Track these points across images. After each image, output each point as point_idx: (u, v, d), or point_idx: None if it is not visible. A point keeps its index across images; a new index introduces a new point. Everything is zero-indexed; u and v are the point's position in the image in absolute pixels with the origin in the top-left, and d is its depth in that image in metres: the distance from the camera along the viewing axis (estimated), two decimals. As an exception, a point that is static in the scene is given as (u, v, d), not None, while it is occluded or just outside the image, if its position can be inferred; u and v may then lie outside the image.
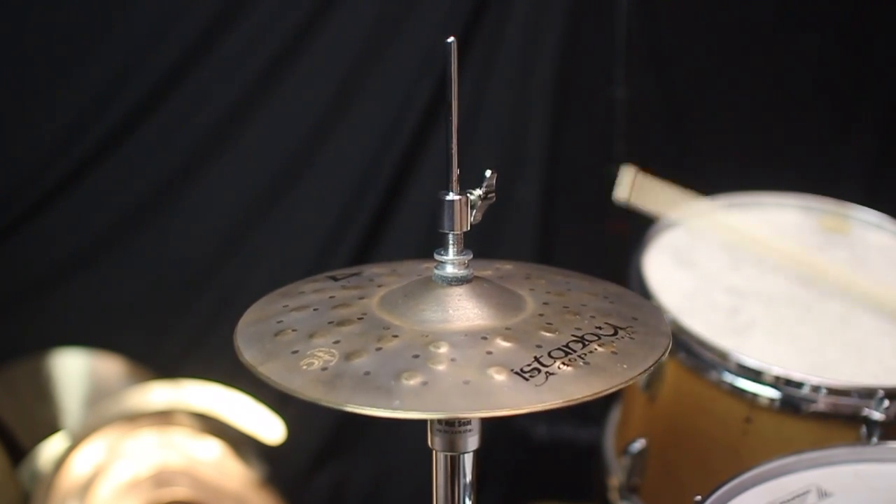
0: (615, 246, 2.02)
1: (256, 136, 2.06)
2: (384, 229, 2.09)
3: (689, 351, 1.37)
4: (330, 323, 0.90)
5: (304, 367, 0.84)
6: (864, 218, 1.69)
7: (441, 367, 0.83)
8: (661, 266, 1.53)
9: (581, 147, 2.19)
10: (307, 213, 2.11)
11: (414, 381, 0.81)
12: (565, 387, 0.81)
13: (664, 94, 2.16)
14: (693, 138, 2.21)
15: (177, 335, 2.09)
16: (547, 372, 0.83)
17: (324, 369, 0.83)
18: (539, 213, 2.14)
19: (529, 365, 0.83)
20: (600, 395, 0.82)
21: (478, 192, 0.94)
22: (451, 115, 0.91)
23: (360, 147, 2.09)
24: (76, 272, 2.05)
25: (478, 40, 2.05)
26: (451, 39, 0.88)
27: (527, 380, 0.82)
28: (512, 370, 0.82)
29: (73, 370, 1.98)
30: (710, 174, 2.03)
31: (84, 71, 1.98)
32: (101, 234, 2.06)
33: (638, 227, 1.65)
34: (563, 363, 0.84)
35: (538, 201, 2.13)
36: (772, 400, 1.30)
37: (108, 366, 1.99)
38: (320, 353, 0.85)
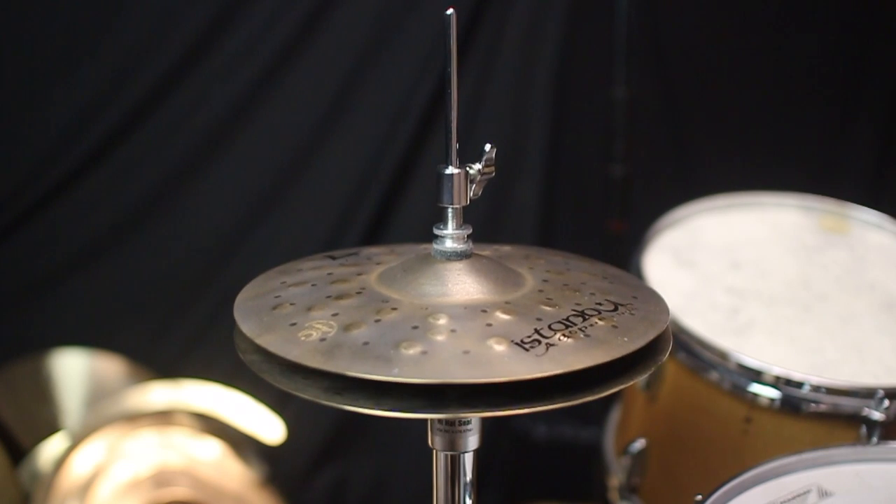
0: (615, 246, 2.02)
1: (256, 136, 2.06)
2: (385, 229, 2.09)
3: (689, 351, 1.36)
4: (328, 297, 0.90)
5: (303, 339, 0.83)
6: (864, 218, 1.69)
7: (440, 338, 0.82)
8: (661, 266, 1.53)
9: (581, 147, 2.19)
10: (307, 212, 2.11)
11: (413, 351, 0.80)
12: (566, 357, 0.81)
13: (664, 94, 2.17)
14: (693, 138, 2.21)
15: (177, 335, 2.09)
16: (547, 343, 0.82)
17: (322, 340, 0.83)
18: (539, 213, 2.14)
19: (530, 336, 0.83)
20: (602, 366, 0.81)
21: (477, 166, 0.94)
22: (450, 89, 0.91)
23: (359, 147, 2.09)
24: (76, 272, 2.05)
25: (478, 40, 2.05)
26: (450, 12, 0.88)
27: (527, 350, 0.81)
28: (512, 341, 0.82)
29: (73, 370, 1.98)
30: (710, 174, 2.05)
31: (84, 71, 1.98)
32: (101, 234, 2.06)
33: (638, 227, 1.65)
34: (564, 335, 0.84)
35: (538, 201, 2.13)
36: (772, 400, 1.30)
37: (108, 366, 1.99)
38: (318, 325, 0.85)
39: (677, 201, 1.68)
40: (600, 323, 0.87)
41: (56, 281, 2.05)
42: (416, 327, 0.84)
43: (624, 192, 2.03)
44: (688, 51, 2.16)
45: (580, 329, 0.85)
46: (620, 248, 1.97)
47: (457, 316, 0.85)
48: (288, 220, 2.11)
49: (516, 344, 0.82)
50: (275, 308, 0.89)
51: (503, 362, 0.80)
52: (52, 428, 1.89)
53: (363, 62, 2.05)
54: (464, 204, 0.94)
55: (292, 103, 2.06)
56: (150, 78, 1.99)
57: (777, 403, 1.30)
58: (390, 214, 2.10)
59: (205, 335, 2.08)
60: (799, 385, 1.29)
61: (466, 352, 0.81)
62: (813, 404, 1.28)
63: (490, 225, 2.11)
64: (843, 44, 2.19)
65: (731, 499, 1.06)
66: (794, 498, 1.07)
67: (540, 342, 0.82)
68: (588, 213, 2.19)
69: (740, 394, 1.32)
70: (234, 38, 2.00)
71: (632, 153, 2.02)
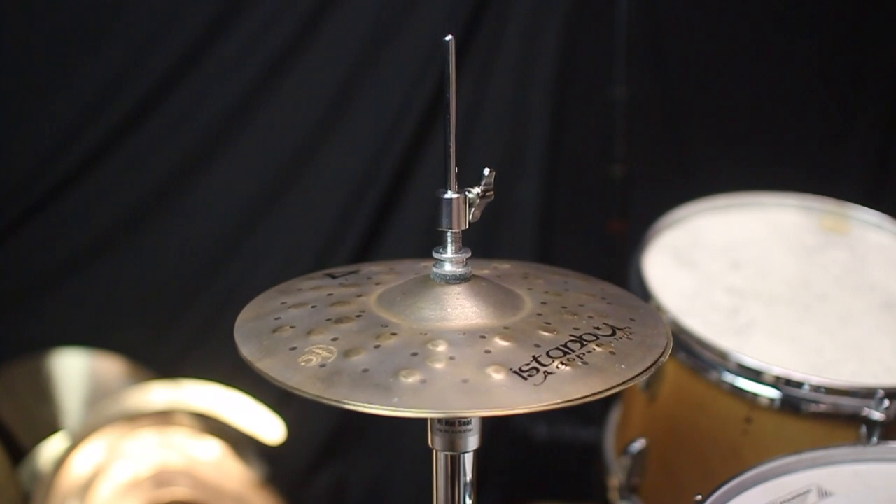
0: (615, 246, 2.02)
1: (256, 137, 2.06)
2: (384, 229, 2.09)
3: (689, 351, 1.36)
4: (328, 320, 0.90)
5: (303, 364, 0.84)
6: (864, 218, 1.69)
7: (440, 366, 0.83)
8: (661, 266, 1.53)
9: (581, 147, 2.19)
10: (307, 213, 2.11)
11: (412, 379, 0.81)
12: (564, 387, 0.81)
13: (664, 94, 2.16)
14: (693, 138, 2.21)
15: (177, 335, 2.09)
16: (545, 371, 0.83)
17: (322, 366, 0.83)
18: (539, 213, 2.14)
19: (528, 364, 0.83)
20: (599, 396, 0.82)
21: (476, 190, 0.94)
22: (449, 114, 0.91)
23: (359, 147, 2.09)
24: (76, 272, 2.05)
25: (478, 40, 2.05)
26: (449, 38, 0.88)
27: (525, 379, 0.81)
28: (510, 369, 0.82)
29: (73, 370, 1.98)
30: (710, 174, 2.05)
31: (84, 71, 1.98)
32: (101, 234, 2.06)
33: (638, 227, 1.65)
34: (562, 363, 0.84)
35: (538, 201, 2.13)
36: (772, 400, 1.30)
37: (108, 366, 1.99)
38: (318, 350, 0.85)
39: (677, 201, 1.68)
40: (598, 349, 0.87)
41: (56, 281, 2.05)
42: (415, 354, 0.84)
43: (624, 192, 2.03)
44: (688, 51, 2.16)
45: (578, 356, 0.86)
46: (620, 248, 1.97)
47: (455, 342, 0.86)
48: (288, 221, 2.10)
49: (514, 372, 0.82)
50: (275, 331, 0.90)
51: (501, 392, 0.80)
52: (52, 428, 1.89)
53: (363, 64, 2.05)
54: (463, 228, 0.94)
55: (292, 105, 2.06)
56: (150, 78, 1.99)
57: (777, 403, 1.30)
58: (389, 217, 2.09)
59: (205, 335, 2.08)
60: (799, 385, 1.29)
61: (465, 381, 0.81)
62: (813, 404, 1.28)
63: (490, 225, 2.11)
64: (844, 44, 2.19)
65: (731, 499, 1.06)
66: (794, 498, 1.07)
67: (538, 370, 0.83)
68: (588, 213, 2.19)
69: (740, 394, 1.32)
70: (233, 41, 2.00)
71: (632, 153, 2.02)
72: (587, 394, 0.81)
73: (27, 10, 1.95)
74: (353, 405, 0.79)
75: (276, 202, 2.09)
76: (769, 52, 2.19)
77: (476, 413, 0.78)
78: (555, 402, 0.80)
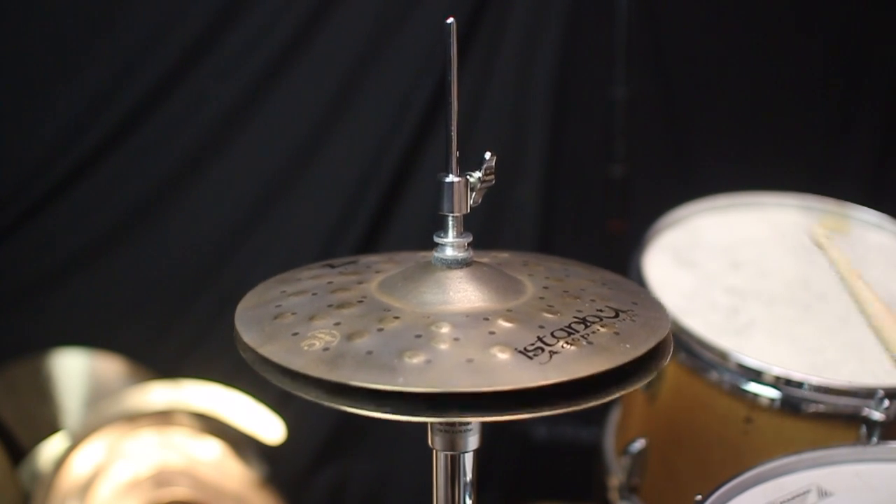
0: (615, 246, 2.02)
1: (256, 136, 2.06)
2: (385, 229, 2.09)
3: (689, 351, 1.36)
4: (329, 306, 0.90)
5: (306, 348, 0.83)
6: (864, 218, 1.69)
7: (444, 346, 0.82)
8: (660, 266, 1.53)
9: (581, 147, 2.19)
10: (307, 212, 2.11)
11: (417, 360, 0.81)
12: (569, 365, 0.81)
13: (664, 94, 2.16)
14: (693, 138, 2.21)
15: (177, 335, 2.09)
16: (551, 351, 0.82)
17: (325, 349, 0.83)
18: (539, 213, 2.14)
19: (533, 344, 0.83)
20: (604, 372, 0.81)
21: (477, 174, 0.94)
22: (451, 97, 0.91)
23: (359, 147, 2.09)
24: (76, 272, 2.05)
25: (478, 40, 2.05)
26: (450, 20, 0.88)
27: (531, 358, 0.81)
28: (515, 349, 0.82)
29: (73, 370, 1.98)
30: (711, 174, 2.05)
31: (84, 71, 1.98)
32: (101, 234, 2.06)
33: (638, 227, 1.65)
34: (567, 342, 0.84)
35: (538, 201, 2.13)
36: (772, 400, 1.30)
37: (108, 366, 1.99)
38: (321, 335, 0.85)
39: (677, 201, 1.68)
40: (602, 330, 0.87)
41: (56, 281, 2.05)
42: (419, 336, 0.84)
43: (624, 192, 2.03)
44: (688, 51, 2.16)
45: (582, 336, 0.86)
46: (620, 248, 1.97)
47: (459, 324, 0.86)
48: (288, 220, 2.10)
49: (519, 352, 0.82)
50: (276, 318, 0.89)
51: (507, 370, 0.80)
52: (52, 428, 1.89)
53: (363, 63, 2.05)
54: (464, 212, 0.94)
55: (292, 104, 2.06)
56: (150, 78, 1.99)
57: (777, 403, 1.30)
58: (390, 215, 2.09)
59: (205, 335, 2.08)
60: (799, 385, 1.29)
61: (470, 360, 0.81)
62: (813, 404, 1.28)
63: (490, 225, 2.11)
64: (844, 44, 2.19)
65: (730, 499, 1.06)
66: (793, 498, 1.07)
67: (543, 350, 0.83)
68: (588, 213, 2.19)
69: (740, 394, 1.32)
70: (233, 40, 2.00)
71: (632, 153, 2.02)
72: (593, 372, 0.81)
73: (27, 10, 1.95)
74: (359, 384, 0.78)
75: (277, 202, 2.09)
76: (769, 51, 2.19)
77: (482, 389, 0.78)
78: (561, 379, 0.79)
